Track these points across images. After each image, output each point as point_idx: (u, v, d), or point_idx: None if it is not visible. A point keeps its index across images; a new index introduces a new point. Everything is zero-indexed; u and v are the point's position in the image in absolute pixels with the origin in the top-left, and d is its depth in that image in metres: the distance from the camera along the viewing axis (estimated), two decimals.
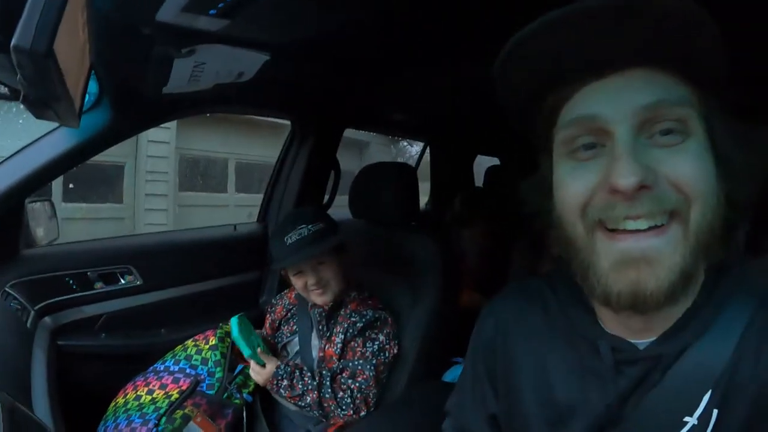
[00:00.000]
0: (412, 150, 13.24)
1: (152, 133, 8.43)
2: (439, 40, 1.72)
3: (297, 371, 1.85)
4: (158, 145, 8.83)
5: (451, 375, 2.26)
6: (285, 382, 1.82)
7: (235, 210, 10.06)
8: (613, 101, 0.72)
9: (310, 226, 1.85)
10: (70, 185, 8.11)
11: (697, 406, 0.74)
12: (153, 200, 8.94)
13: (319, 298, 1.93)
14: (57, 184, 7.67)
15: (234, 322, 1.88)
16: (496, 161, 4.72)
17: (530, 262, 2.87)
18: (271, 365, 1.85)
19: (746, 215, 0.79)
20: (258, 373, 1.86)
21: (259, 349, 1.87)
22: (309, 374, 1.85)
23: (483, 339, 1.02)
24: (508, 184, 4.04)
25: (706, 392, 0.74)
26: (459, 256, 3.05)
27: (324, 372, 1.85)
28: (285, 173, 2.75)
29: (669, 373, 0.76)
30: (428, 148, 4.14)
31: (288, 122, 2.74)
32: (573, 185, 0.75)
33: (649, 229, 0.70)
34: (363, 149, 12.38)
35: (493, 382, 0.99)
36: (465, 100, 2.79)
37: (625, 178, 0.67)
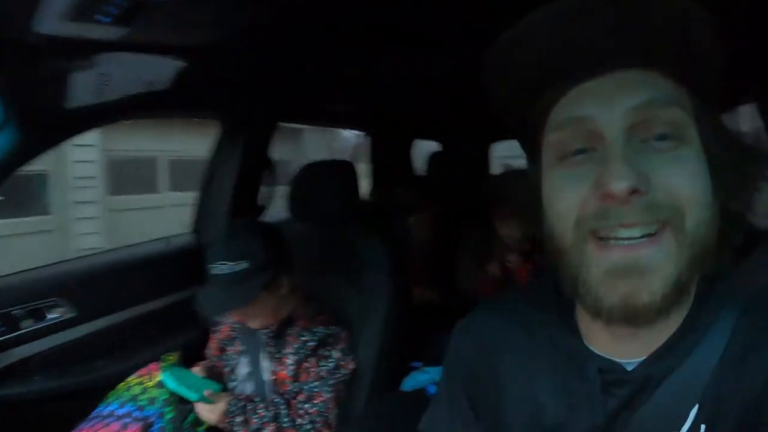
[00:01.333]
0: (345, 134, 13.18)
1: (77, 137, 8.00)
2: (373, 25, 1.64)
3: (249, 405, 1.72)
4: (84, 149, 8.46)
5: (412, 382, 2.14)
6: (239, 419, 1.70)
7: (171, 210, 9.65)
8: (605, 102, 0.69)
9: (231, 264, 1.67)
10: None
11: (685, 421, 0.72)
12: (83, 208, 8.58)
13: (251, 324, 1.83)
14: None
15: (165, 377, 1.75)
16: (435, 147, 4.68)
17: (480, 252, 2.88)
18: (222, 402, 1.73)
19: (739, 225, 0.75)
20: (209, 412, 1.73)
21: (206, 391, 1.75)
22: (263, 405, 1.73)
23: (460, 360, 0.96)
24: (450, 170, 4.08)
25: (693, 407, 0.72)
26: (405, 248, 2.97)
27: (277, 400, 1.74)
28: (216, 176, 2.59)
29: (657, 391, 0.73)
30: (367, 135, 4.08)
31: None
32: (566, 197, 0.71)
33: (642, 237, 0.66)
34: (297, 137, 12.18)
35: (473, 402, 0.93)
36: (404, 86, 2.71)
37: (618, 182, 0.64)
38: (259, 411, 1.71)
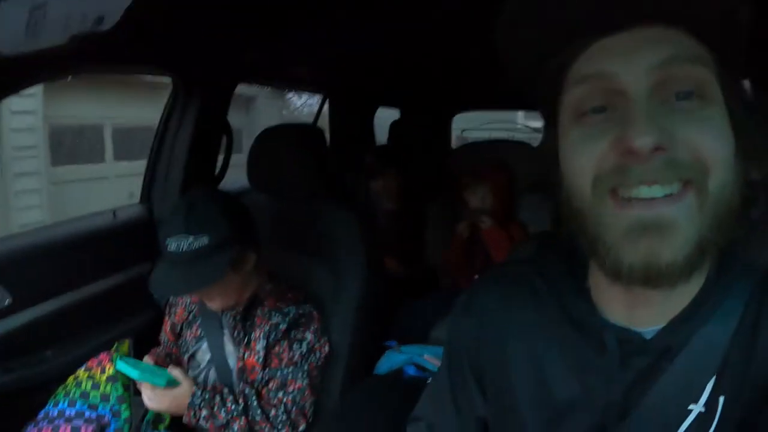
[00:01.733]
0: (298, 102, 13.10)
1: (15, 103, 7.62)
2: None
3: (217, 396, 1.57)
4: (23, 116, 8.01)
5: (387, 363, 2.04)
6: (204, 412, 1.55)
7: (116, 181, 9.39)
8: (627, 59, 0.66)
9: (191, 239, 1.48)
10: None
11: (702, 393, 0.71)
12: (23, 180, 8.17)
13: (210, 305, 1.66)
14: None
15: (122, 366, 1.56)
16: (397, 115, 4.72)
17: (447, 219, 2.87)
18: (187, 386, 1.59)
19: (760, 194, 0.74)
20: (168, 402, 1.58)
21: (170, 369, 1.60)
22: (231, 398, 1.58)
23: (464, 336, 0.94)
24: (411, 139, 4.10)
25: (710, 379, 0.71)
26: (371, 218, 2.94)
27: (247, 391, 1.60)
28: (168, 143, 2.41)
29: (673, 363, 0.73)
30: (327, 101, 4.01)
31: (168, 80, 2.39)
32: (583, 156, 0.68)
33: (664, 197, 0.63)
34: (249, 104, 11.97)
35: (479, 381, 0.92)
36: (365, 50, 2.65)
37: (641, 137, 0.61)
38: (227, 404, 1.57)
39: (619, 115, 0.66)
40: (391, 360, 2.04)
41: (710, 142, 0.64)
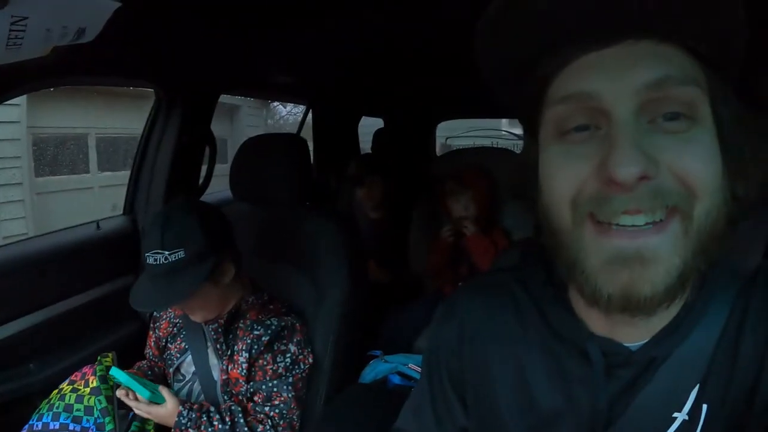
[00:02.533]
0: (283, 111, 13.06)
1: None
2: None
3: (204, 415, 1.55)
4: (6, 126, 7.91)
5: (372, 372, 2.04)
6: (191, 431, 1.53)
7: (100, 192, 9.30)
8: (613, 77, 0.63)
9: (166, 253, 1.48)
10: None
11: (686, 401, 0.71)
12: (7, 191, 8.03)
13: (193, 317, 1.67)
14: None
15: (117, 372, 1.55)
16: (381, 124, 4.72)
17: (431, 226, 2.87)
18: (173, 405, 1.55)
19: (746, 209, 0.71)
20: (156, 415, 1.57)
21: (160, 387, 1.58)
22: (218, 416, 1.56)
23: (445, 345, 0.93)
24: (395, 147, 4.09)
25: (694, 387, 0.72)
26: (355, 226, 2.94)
27: (233, 408, 1.59)
28: (151, 153, 2.40)
29: (658, 372, 0.73)
30: (311, 111, 4.00)
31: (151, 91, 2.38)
32: (562, 175, 0.67)
33: (647, 225, 0.62)
34: (233, 113, 11.93)
35: (460, 392, 0.92)
36: (349, 59, 2.65)
37: (625, 168, 0.59)
38: (214, 423, 1.55)
39: (603, 136, 0.64)
40: (376, 369, 2.04)
41: (697, 166, 0.62)
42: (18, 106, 7.81)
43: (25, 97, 6.91)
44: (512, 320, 0.86)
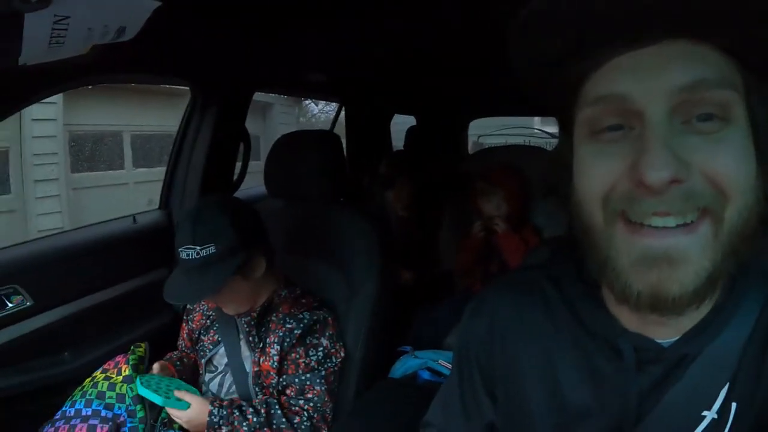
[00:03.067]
0: (315, 109, 13.09)
1: (36, 111, 7.65)
2: None
3: (236, 411, 1.56)
4: (44, 124, 8.05)
5: (402, 368, 2.04)
6: (225, 429, 1.54)
7: (135, 187, 9.41)
8: (646, 79, 0.63)
9: (198, 248, 1.51)
10: None
11: (715, 399, 0.71)
12: (44, 186, 8.18)
13: (225, 310, 1.70)
14: None
15: (144, 392, 1.57)
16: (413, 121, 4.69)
17: (462, 225, 2.85)
18: (199, 406, 1.56)
19: None
20: (186, 420, 1.58)
21: (175, 391, 1.59)
22: (251, 409, 1.57)
23: (475, 341, 0.94)
24: (429, 144, 4.08)
25: (724, 385, 0.72)
26: (386, 226, 2.93)
27: (269, 400, 1.60)
28: (186, 150, 2.43)
29: (689, 369, 0.73)
30: (343, 108, 3.99)
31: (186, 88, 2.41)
32: (595, 173, 0.68)
33: (677, 227, 0.62)
34: (266, 111, 11.98)
35: (490, 388, 0.92)
36: (382, 57, 2.64)
37: (656, 172, 0.60)
38: (248, 417, 1.56)
39: (636, 137, 0.64)
40: (406, 364, 2.05)
41: (730, 167, 0.62)
42: (54, 104, 7.93)
43: (61, 95, 7.01)
44: (542, 317, 0.86)
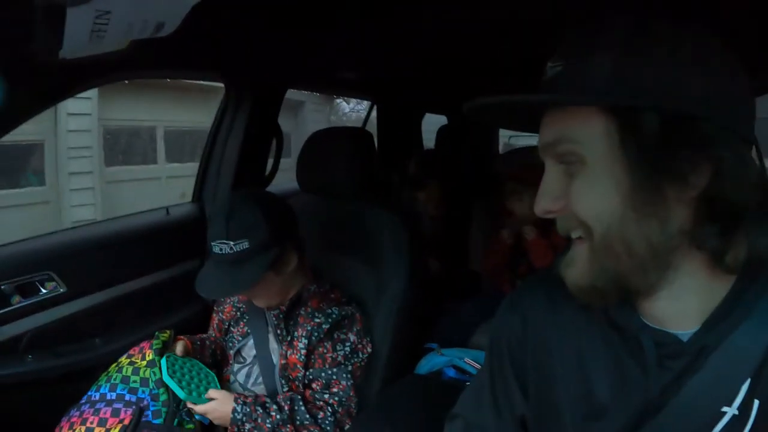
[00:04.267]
0: (346, 107, 13.08)
1: (71, 105, 7.78)
2: None
3: (259, 408, 1.56)
4: (79, 118, 8.18)
5: (428, 365, 2.04)
6: (248, 426, 1.55)
7: (167, 182, 9.51)
8: (539, 139, 0.81)
9: (231, 243, 1.52)
10: None
11: (736, 395, 0.74)
12: (78, 179, 8.32)
13: (256, 303, 1.72)
14: None
15: (162, 365, 1.60)
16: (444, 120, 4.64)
17: (492, 225, 2.83)
18: (223, 400, 1.58)
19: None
20: (210, 414, 1.59)
21: (210, 391, 1.61)
22: (275, 406, 1.57)
23: (508, 335, 0.98)
24: (460, 144, 4.04)
25: (745, 381, 0.74)
26: (417, 223, 2.92)
27: (293, 396, 1.60)
28: (220, 145, 2.46)
29: (707, 362, 0.76)
30: (375, 107, 4.01)
31: (221, 85, 2.44)
32: None
33: (578, 238, 0.79)
34: (298, 109, 12.03)
35: (521, 379, 0.96)
36: (414, 55, 2.63)
37: (536, 206, 0.80)
38: (271, 413, 1.56)
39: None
40: (432, 362, 2.05)
41: (585, 205, 0.76)
42: (89, 100, 8.04)
43: (96, 90, 7.11)
44: (575, 311, 0.89)
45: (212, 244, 1.55)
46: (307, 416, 1.56)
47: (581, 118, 0.75)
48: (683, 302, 0.78)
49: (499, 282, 2.72)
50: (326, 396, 1.60)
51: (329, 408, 1.59)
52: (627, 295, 0.79)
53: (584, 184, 0.76)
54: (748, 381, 0.73)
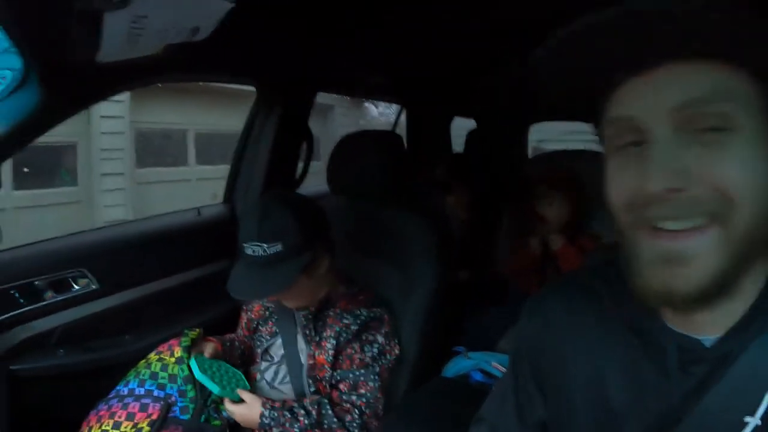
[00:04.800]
0: (375, 112, 13.11)
1: (104, 108, 7.97)
2: None
3: (287, 413, 1.57)
4: (112, 121, 8.36)
5: (455, 368, 2.04)
6: (276, 431, 1.56)
7: (197, 184, 9.63)
8: (649, 101, 0.70)
9: (265, 246, 1.52)
10: (25, 169, 7.63)
11: (759, 405, 0.70)
12: (109, 180, 8.50)
13: (286, 304, 1.73)
14: (6, 172, 7.17)
15: (193, 365, 1.62)
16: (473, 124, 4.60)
17: (520, 231, 2.80)
18: (254, 407, 1.59)
19: None
20: (239, 415, 1.61)
21: (239, 391, 1.64)
22: (303, 411, 1.58)
23: (529, 338, 0.98)
24: (489, 148, 4.03)
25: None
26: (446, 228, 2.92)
27: (321, 400, 1.61)
28: (251, 147, 2.48)
29: (730, 370, 0.73)
30: (404, 110, 3.98)
31: (252, 89, 2.46)
32: (616, 184, 0.76)
33: (688, 229, 0.68)
34: (327, 113, 12.08)
35: (540, 383, 0.95)
36: (442, 58, 2.64)
37: (653, 183, 0.68)
38: (300, 418, 1.56)
39: (646, 153, 0.70)
40: (459, 365, 2.04)
41: (734, 175, 0.66)
42: (122, 103, 8.20)
43: (128, 93, 7.22)
44: (594, 316, 0.88)
45: (244, 245, 1.55)
46: (335, 419, 1.57)
47: (729, 74, 0.68)
48: (718, 306, 0.73)
49: (526, 286, 2.70)
50: (353, 398, 1.60)
51: (356, 410, 1.59)
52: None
53: (738, 154, 0.66)
54: None
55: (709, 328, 0.76)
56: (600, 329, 0.87)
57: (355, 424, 1.58)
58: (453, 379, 1.99)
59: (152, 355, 1.72)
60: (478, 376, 1.97)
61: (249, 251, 1.54)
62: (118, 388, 1.67)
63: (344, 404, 1.61)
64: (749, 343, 0.73)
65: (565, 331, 0.91)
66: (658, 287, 0.71)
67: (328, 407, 1.59)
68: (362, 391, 1.61)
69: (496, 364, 1.98)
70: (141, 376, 1.67)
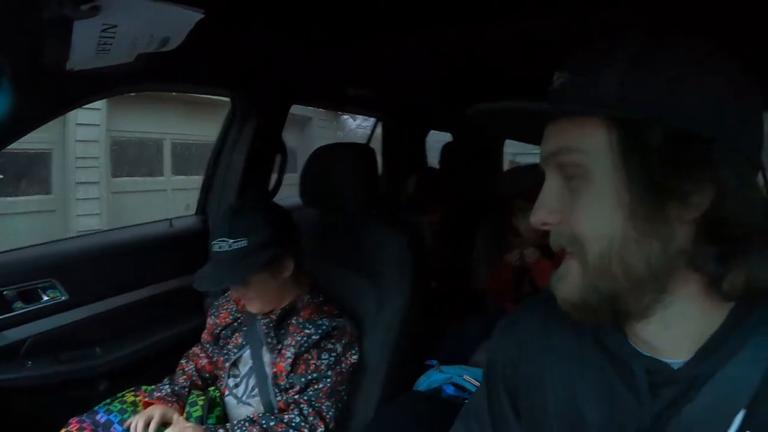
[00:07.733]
0: (352, 124, 13.14)
1: (80, 116, 7.92)
2: (393, 7, 1.60)
3: (221, 430, 1.60)
4: (87, 128, 8.32)
5: (427, 381, 2.03)
6: None
7: (173, 194, 9.60)
8: (542, 147, 0.81)
9: (231, 241, 1.59)
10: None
11: (729, 426, 0.72)
12: (84, 189, 8.44)
13: (249, 308, 1.74)
14: None
15: None
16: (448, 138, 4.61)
17: (496, 245, 2.81)
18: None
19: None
20: None
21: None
22: (241, 422, 1.61)
23: (502, 357, 0.98)
24: (464, 162, 4.03)
25: (739, 413, 0.72)
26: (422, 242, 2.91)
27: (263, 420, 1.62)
28: (225, 158, 2.47)
29: (701, 391, 0.74)
30: (380, 123, 4.01)
31: (228, 100, 2.45)
32: None
33: (568, 253, 0.78)
34: (305, 125, 12.08)
35: (514, 403, 0.95)
36: (419, 72, 2.66)
37: (533, 217, 0.79)
38: (236, 429, 1.59)
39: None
40: (431, 378, 2.03)
41: (582, 221, 0.75)
42: (98, 111, 8.14)
43: (105, 101, 7.17)
44: (568, 337, 0.89)
45: (213, 243, 1.61)
46: (273, 419, 1.59)
47: (586, 129, 0.74)
48: (675, 329, 0.77)
49: (502, 300, 2.71)
50: (296, 396, 1.63)
51: (296, 408, 1.61)
52: (617, 316, 0.78)
53: (586, 201, 0.74)
54: (743, 412, 0.72)
55: (672, 351, 0.78)
56: (575, 348, 0.88)
57: (294, 423, 1.58)
58: (425, 393, 1.98)
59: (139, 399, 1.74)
60: (450, 390, 1.96)
61: (216, 248, 1.60)
62: (96, 409, 1.68)
63: (290, 407, 1.63)
64: (720, 365, 0.74)
65: (541, 350, 0.92)
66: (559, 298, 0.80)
67: (270, 421, 1.60)
68: (309, 390, 1.63)
69: (468, 378, 1.97)
70: (124, 416, 1.68)
